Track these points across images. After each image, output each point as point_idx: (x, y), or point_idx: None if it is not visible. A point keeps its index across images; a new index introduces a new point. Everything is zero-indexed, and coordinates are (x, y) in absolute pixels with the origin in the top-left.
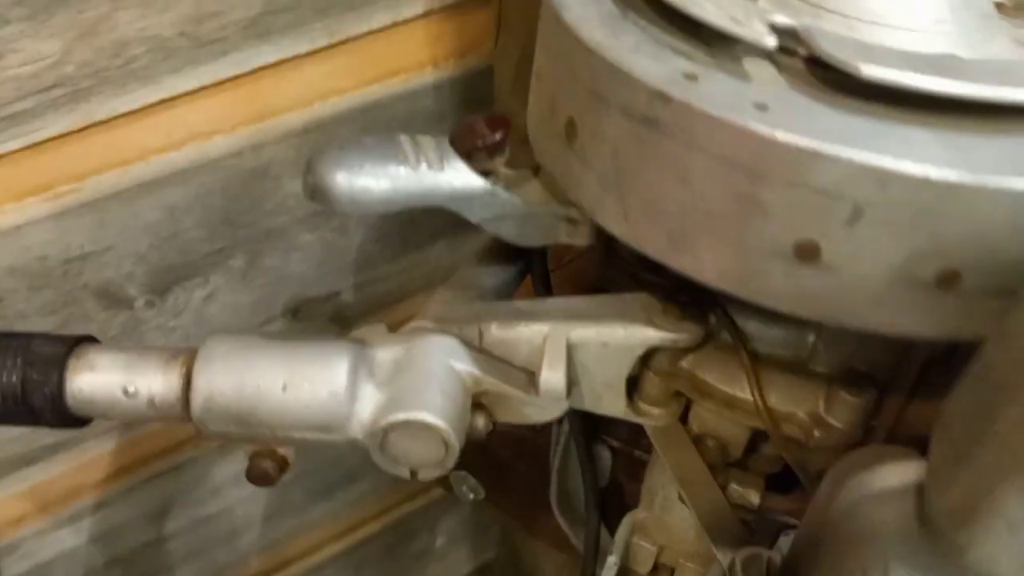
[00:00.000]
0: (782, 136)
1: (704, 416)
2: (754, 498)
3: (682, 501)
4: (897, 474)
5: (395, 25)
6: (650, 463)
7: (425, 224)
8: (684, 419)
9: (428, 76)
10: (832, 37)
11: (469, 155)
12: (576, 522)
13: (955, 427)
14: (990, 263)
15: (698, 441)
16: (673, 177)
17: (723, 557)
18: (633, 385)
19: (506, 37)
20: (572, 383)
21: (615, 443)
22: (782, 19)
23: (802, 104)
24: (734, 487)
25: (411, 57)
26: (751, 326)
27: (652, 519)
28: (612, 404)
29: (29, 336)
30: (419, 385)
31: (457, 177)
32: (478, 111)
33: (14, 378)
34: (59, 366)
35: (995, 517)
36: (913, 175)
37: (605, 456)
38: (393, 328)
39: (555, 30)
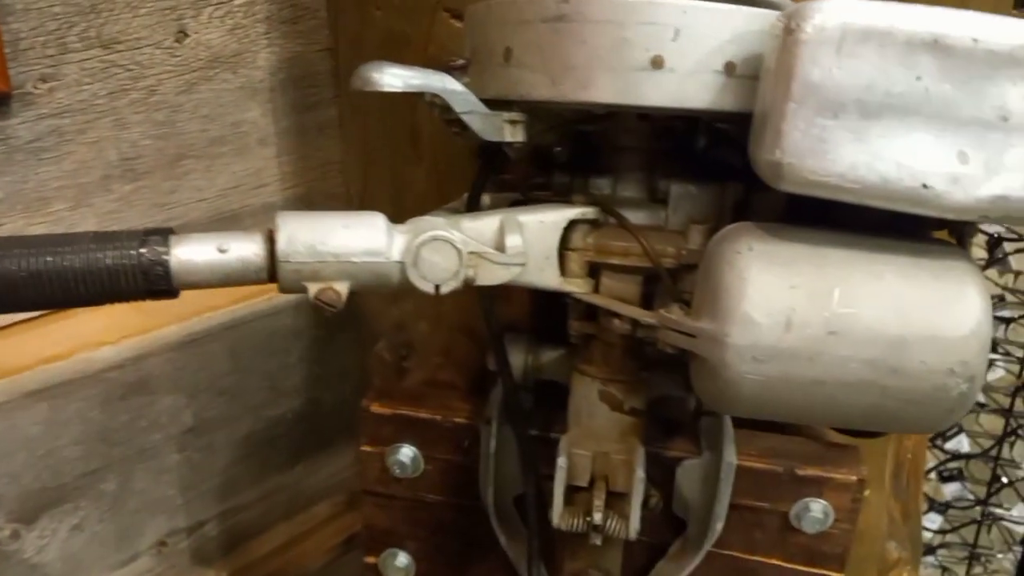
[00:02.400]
0: None
1: (609, 284)
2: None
3: (602, 400)
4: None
5: None
6: (571, 388)
7: (286, 445)
8: (597, 290)
9: (290, 297)
10: None
11: (448, 72)
12: (510, 528)
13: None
14: (752, 55)
15: (612, 314)
16: (578, 43)
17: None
18: (562, 269)
19: None
20: (525, 258)
21: (535, 432)
22: None
23: None
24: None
25: None
26: (627, 214)
27: (582, 431)
28: (551, 276)
29: (132, 231)
30: (434, 225)
31: (447, 79)
32: (334, 331)
33: (132, 254)
34: (166, 241)
35: (785, 117)
36: (696, 5)
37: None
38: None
39: (485, 10)
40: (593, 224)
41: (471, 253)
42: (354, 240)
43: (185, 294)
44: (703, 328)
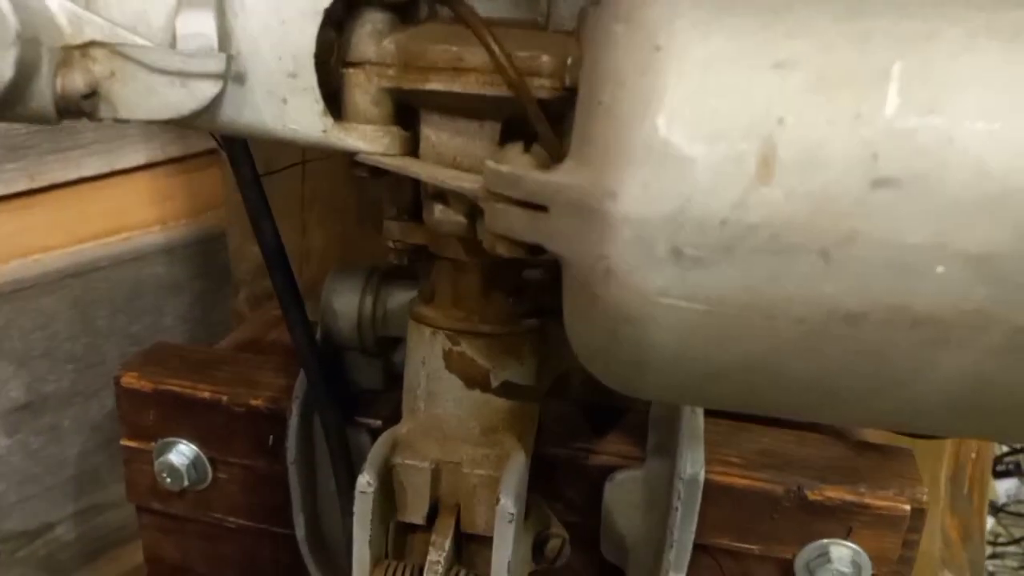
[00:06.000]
0: None
1: (435, 137)
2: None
3: (451, 369)
4: None
5: (113, 175)
6: (406, 356)
7: None
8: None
9: (157, 237)
10: None
11: None
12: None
13: None
14: None
15: (437, 197)
16: None
17: None
18: (337, 104)
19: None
20: (238, 75)
21: (376, 423)
22: None
23: None
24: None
25: (136, 214)
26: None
27: (418, 426)
28: (304, 115)
29: None
30: None
31: None
32: (222, 282)
33: None
34: None
35: None
36: None
37: (364, 443)
38: None
39: None
40: (402, 15)
41: (96, 45)
42: None
43: (2, 226)
44: (564, 184)
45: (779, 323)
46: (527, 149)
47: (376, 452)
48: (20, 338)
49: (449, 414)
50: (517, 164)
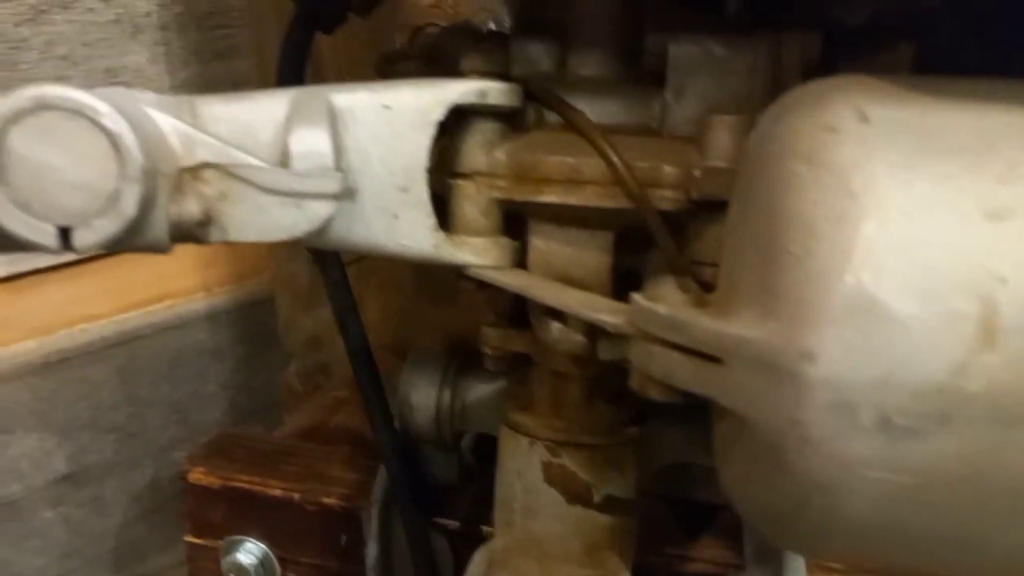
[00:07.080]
0: None
1: (545, 248)
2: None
3: (550, 483)
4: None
5: None
6: (498, 462)
7: None
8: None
9: (200, 304)
10: None
11: None
12: None
13: None
14: None
15: (552, 313)
16: None
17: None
18: (446, 217)
19: (290, 262)
20: (349, 190)
21: (453, 524)
22: None
23: None
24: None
25: (179, 281)
26: (580, 103)
27: (515, 544)
28: (415, 230)
29: None
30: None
31: None
32: (263, 347)
33: None
34: None
35: None
36: None
37: (442, 546)
38: None
39: None
40: (510, 121)
41: (208, 167)
42: None
43: (43, 298)
44: (745, 337)
45: (995, 496)
46: (681, 286)
47: (473, 574)
48: (65, 408)
49: (549, 531)
50: (672, 304)
